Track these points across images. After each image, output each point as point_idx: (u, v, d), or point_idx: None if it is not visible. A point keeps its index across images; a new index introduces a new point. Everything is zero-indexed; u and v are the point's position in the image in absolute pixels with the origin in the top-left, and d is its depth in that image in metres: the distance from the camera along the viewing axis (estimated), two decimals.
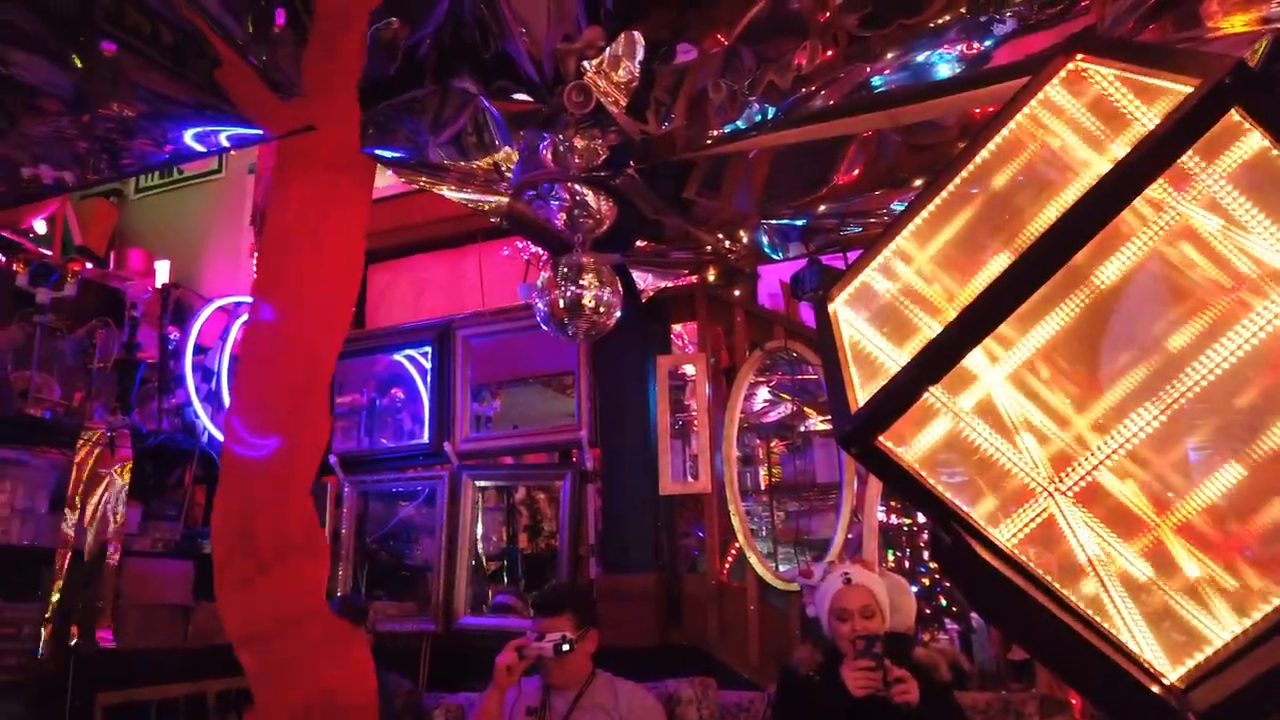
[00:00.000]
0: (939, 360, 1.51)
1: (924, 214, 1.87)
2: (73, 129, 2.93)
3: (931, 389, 1.58)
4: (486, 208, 3.41)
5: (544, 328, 3.07)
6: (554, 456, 4.07)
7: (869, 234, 3.26)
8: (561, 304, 2.97)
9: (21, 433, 3.27)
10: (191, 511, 4.04)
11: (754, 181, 3.13)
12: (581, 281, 2.98)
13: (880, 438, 1.53)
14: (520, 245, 4.66)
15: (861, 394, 1.71)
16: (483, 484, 4.03)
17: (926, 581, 3.68)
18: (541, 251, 4.17)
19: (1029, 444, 1.55)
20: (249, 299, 4.47)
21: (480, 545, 4.23)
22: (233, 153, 5.63)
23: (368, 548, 4.17)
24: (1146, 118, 1.21)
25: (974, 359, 1.82)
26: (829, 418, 4.07)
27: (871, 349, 1.93)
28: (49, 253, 4.39)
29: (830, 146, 3.03)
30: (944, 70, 2.50)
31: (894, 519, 3.89)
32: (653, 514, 3.45)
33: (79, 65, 2.69)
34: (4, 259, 3.64)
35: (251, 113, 2.77)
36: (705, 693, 2.90)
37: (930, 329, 1.83)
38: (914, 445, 1.68)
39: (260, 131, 2.90)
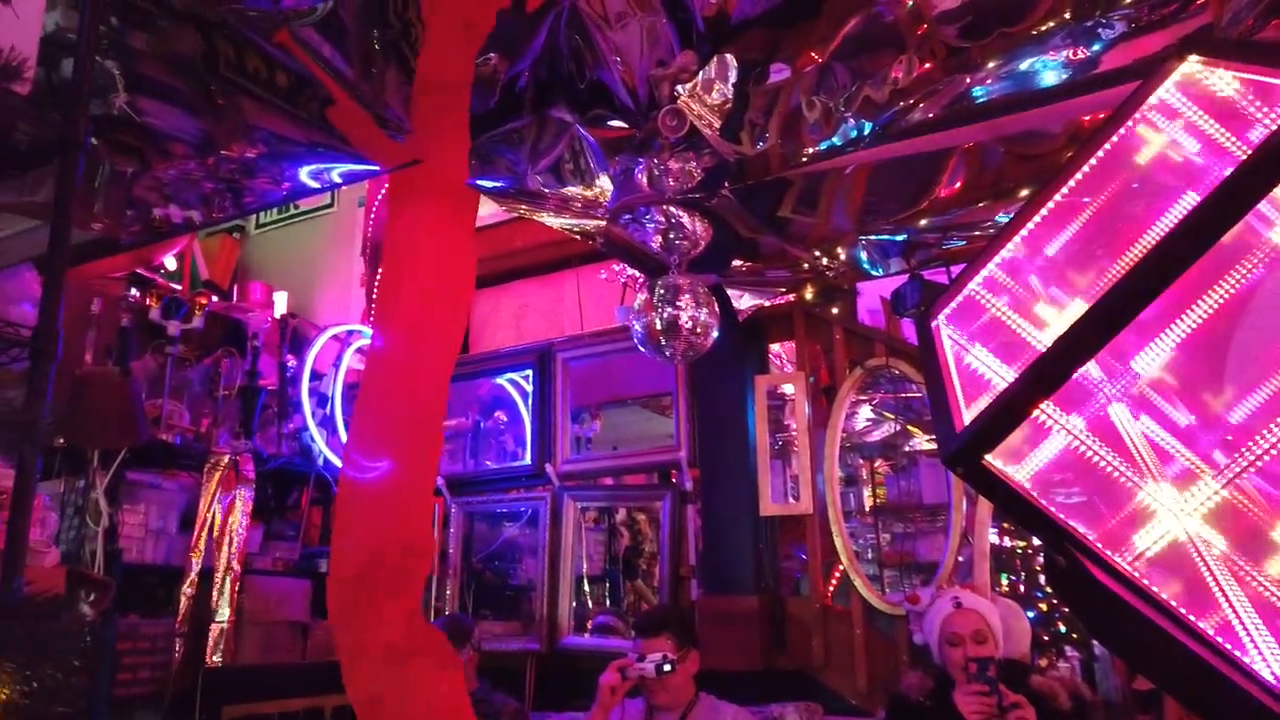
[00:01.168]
0: (1051, 374, 1.47)
1: (1031, 225, 1.82)
2: (199, 170, 3.12)
3: (1043, 405, 1.54)
4: (584, 231, 3.47)
5: (642, 349, 3.10)
6: (653, 477, 4.08)
7: (973, 248, 3.18)
8: (659, 325, 3.00)
9: (155, 457, 3.48)
10: (309, 532, 4.21)
11: (851, 197, 3.10)
12: (678, 302, 3.00)
13: (988, 456, 1.50)
14: (617, 268, 4.72)
15: (967, 412, 1.67)
16: (583, 505, 4.08)
17: (1044, 607, 3.53)
18: (638, 274, 4.21)
19: (1151, 462, 1.48)
20: (359, 327, 4.66)
21: (583, 565, 4.27)
22: (344, 187, 5.89)
23: (473, 567, 4.26)
24: (1270, 119, 1.15)
25: (1089, 373, 1.76)
26: (935, 436, 3.97)
27: (977, 365, 1.89)
28: (178, 287, 4.66)
29: (930, 159, 2.97)
30: (1049, 77, 2.42)
31: (1007, 541, 3.75)
32: (754, 535, 3.42)
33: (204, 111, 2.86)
34: (139, 294, 3.89)
35: (363, 148, 2.89)
36: (812, 718, 2.86)
37: (1040, 343, 1.78)
38: (1025, 465, 1.63)
39: (371, 166, 3.02)
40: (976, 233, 3.13)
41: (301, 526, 4.12)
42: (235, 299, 5.18)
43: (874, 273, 3.51)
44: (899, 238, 3.25)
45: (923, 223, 3.14)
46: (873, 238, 3.26)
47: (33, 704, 0.83)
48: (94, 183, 3.21)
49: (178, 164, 3.09)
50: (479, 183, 3.05)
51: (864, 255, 3.43)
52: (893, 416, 4.24)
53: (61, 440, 3.13)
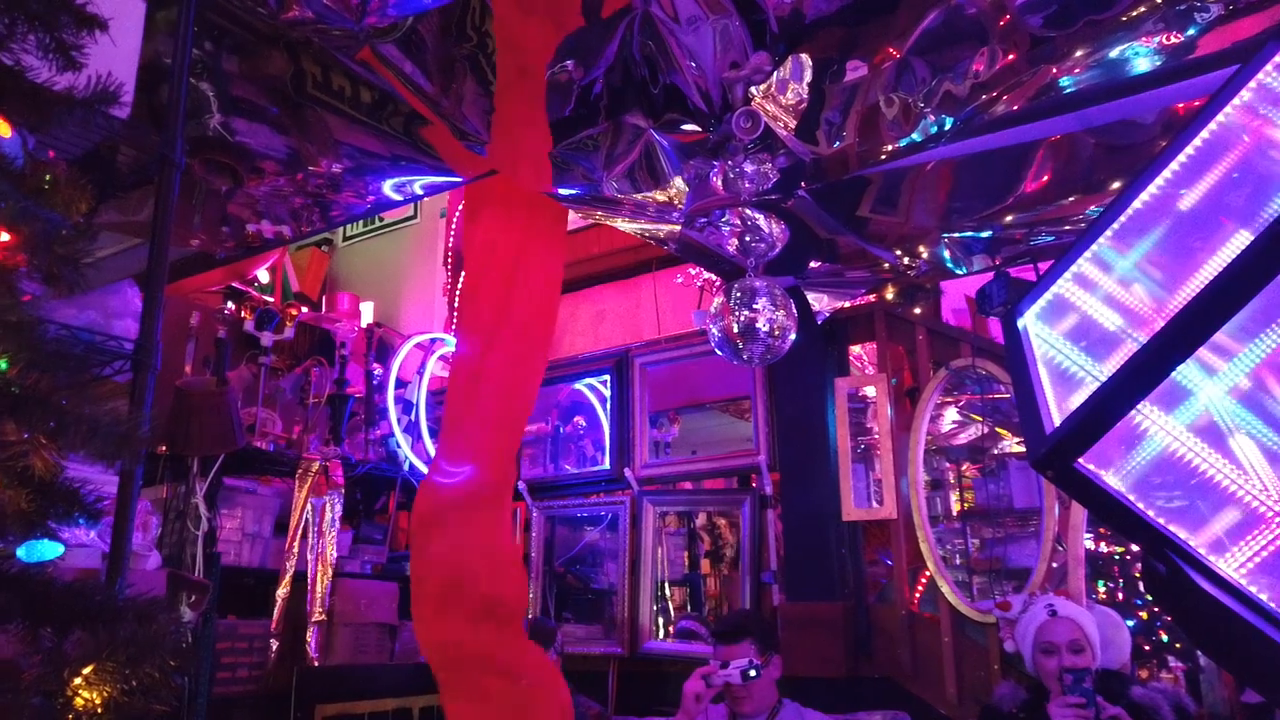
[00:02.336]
0: (1148, 372, 1.40)
1: (1123, 218, 1.74)
2: (288, 186, 3.23)
3: (1140, 405, 1.47)
4: (658, 236, 3.48)
5: (719, 353, 3.08)
6: (733, 481, 4.06)
7: (1061, 243, 3.07)
8: (735, 329, 2.97)
9: (250, 464, 3.61)
10: (395, 536, 4.31)
11: (933, 194, 3.03)
12: (755, 305, 2.97)
13: (1080, 459, 1.44)
14: (694, 272, 4.71)
15: (1057, 413, 1.61)
16: (663, 509, 4.07)
17: (1144, 615, 3.38)
18: (715, 277, 4.19)
19: (1257, 463, 1.40)
20: (441, 335, 4.76)
21: (664, 570, 4.27)
22: (426, 199, 6.02)
23: (555, 571, 4.30)
24: None
25: (1188, 371, 1.68)
26: (1023, 439, 3.84)
27: (1067, 364, 1.82)
28: (271, 299, 4.83)
29: (1016, 153, 2.89)
30: (1141, 64, 2.33)
31: (1104, 547, 3.62)
32: (836, 540, 3.36)
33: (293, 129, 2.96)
34: (234, 307, 4.04)
35: (444, 160, 2.95)
36: None
37: (1135, 340, 1.70)
38: (1120, 468, 1.56)
39: (452, 177, 3.09)
40: (1066, 228, 3.02)
41: (389, 530, 4.22)
42: (324, 309, 5.35)
43: (958, 271, 3.42)
44: (984, 235, 3.16)
45: (1008, 219, 3.04)
46: (956, 235, 3.18)
47: (132, 702, 0.86)
48: (191, 201, 3.36)
49: (268, 180, 3.20)
50: (557, 193, 3.08)
51: (947, 253, 3.35)
52: (980, 418, 4.12)
53: (163, 448, 3.27)
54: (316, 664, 3.39)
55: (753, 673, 2.64)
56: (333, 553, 3.54)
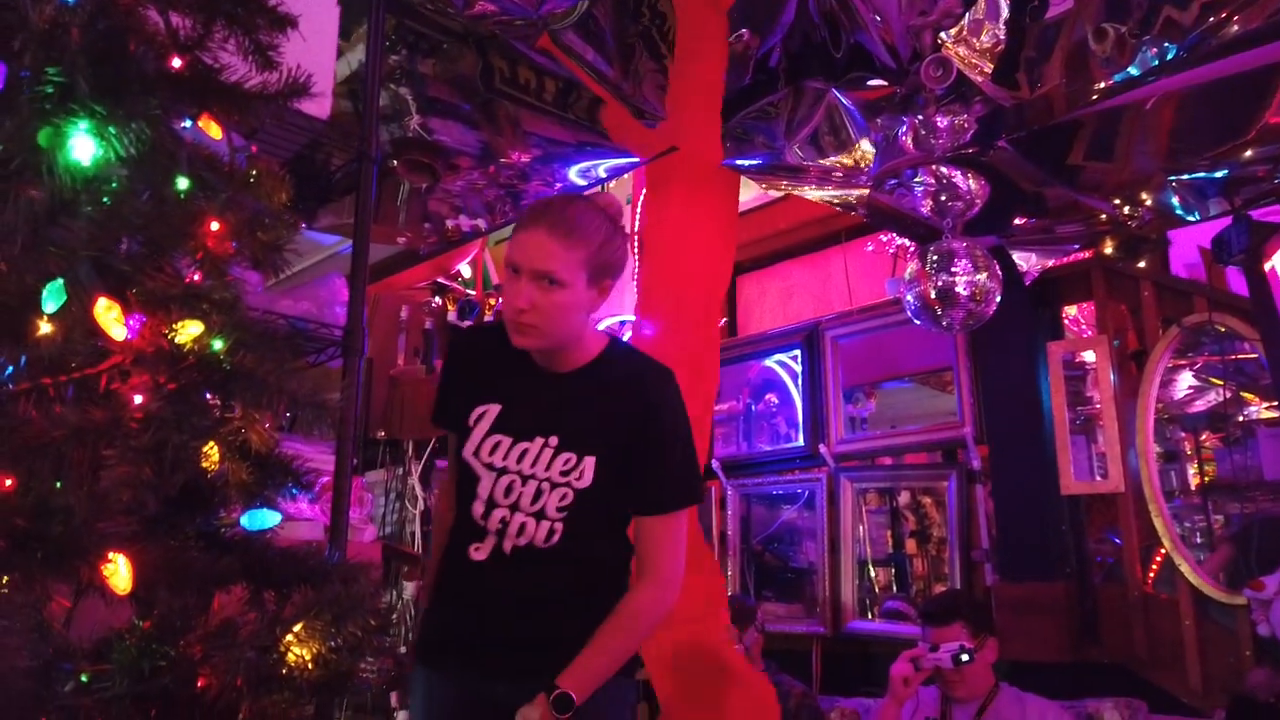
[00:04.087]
0: None
1: None
2: (482, 179, 3.38)
3: None
4: (846, 203, 3.35)
5: (916, 321, 2.94)
6: (936, 456, 3.87)
7: None
8: (933, 294, 2.83)
9: None
10: None
11: (1156, 134, 2.73)
12: (953, 269, 2.81)
13: None
14: (885, 239, 4.52)
15: None
16: (861, 486, 3.95)
17: None
18: (909, 243, 4.00)
19: None
20: (629, 317, 4.83)
21: (866, 549, 4.14)
22: (611, 184, 6.12)
23: (753, 549, 4.27)
24: None
25: None
26: (1277, 403, 3.42)
27: None
28: (472, 292, 5.07)
29: (1254, 80, 2.54)
30: None
31: None
32: (1055, 517, 3.13)
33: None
34: (439, 301, 4.28)
35: (624, 142, 2.98)
36: (1134, 715, 2.57)
37: None
38: None
39: (632, 158, 3.11)
40: None
41: None
42: None
43: (1188, 218, 3.07)
44: (1218, 175, 2.81)
45: (1248, 155, 2.69)
46: (1185, 177, 2.85)
47: (339, 659, 0.92)
48: (396, 201, 3.59)
49: (464, 175, 3.36)
50: (736, 163, 3.04)
51: (1175, 199, 3.02)
52: (1220, 382, 3.71)
53: (381, 433, 3.52)
54: None
55: (965, 656, 2.51)
56: None
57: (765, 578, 4.27)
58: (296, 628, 0.89)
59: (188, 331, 0.90)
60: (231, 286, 0.97)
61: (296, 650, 0.88)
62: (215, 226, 0.95)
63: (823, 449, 3.93)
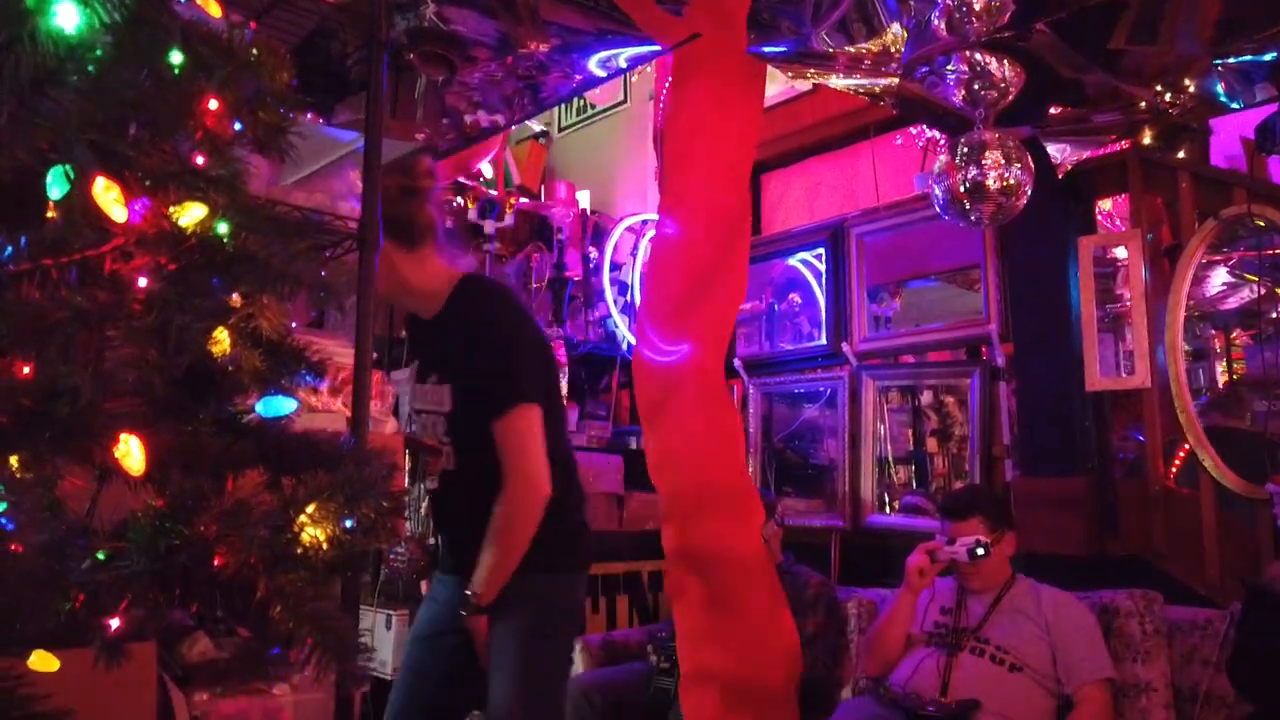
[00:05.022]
0: None
1: None
2: (500, 71, 3.29)
3: None
4: (875, 93, 3.24)
5: (944, 216, 2.87)
6: (959, 354, 3.84)
7: None
8: (962, 188, 2.75)
9: None
10: (618, 412, 4.47)
11: (1203, 14, 2.59)
12: (984, 161, 2.73)
13: None
14: (915, 132, 4.38)
15: None
16: (883, 384, 3.94)
17: None
18: (939, 135, 3.88)
19: None
20: (652, 216, 4.77)
21: (889, 447, 4.16)
22: (634, 79, 5.96)
23: (774, 447, 4.31)
24: None
25: None
26: None
27: None
28: (494, 191, 5.00)
29: None
30: None
31: None
32: (1079, 413, 3.10)
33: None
34: (460, 200, 4.24)
35: (646, 29, 2.88)
36: (1150, 606, 2.59)
37: None
38: None
39: (654, 46, 3.01)
40: None
41: (611, 407, 4.39)
42: (543, 199, 5.50)
43: (1233, 105, 2.94)
44: (1266, 58, 2.68)
45: None
46: (1231, 61, 2.72)
47: (354, 539, 0.94)
48: (413, 95, 3.51)
49: (481, 67, 3.28)
50: (762, 50, 2.93)
51: (1220, 85, 2.88)
52: (1256, 278, 3.62)
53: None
54: None
55: (980, 551, 2.54)
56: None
57: (786, 474, 4.31)
58: (310, 509, 0.90)
59: (190, 214, 0.89)
60: (233, 166, 0.96)
61: (310, 530, 0.90)
62: (214, 105, 0.93)
63: (845, 347, 3.91)
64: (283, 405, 1.05)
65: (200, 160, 0.93)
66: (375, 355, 1.66)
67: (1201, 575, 2.78)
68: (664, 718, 2.83)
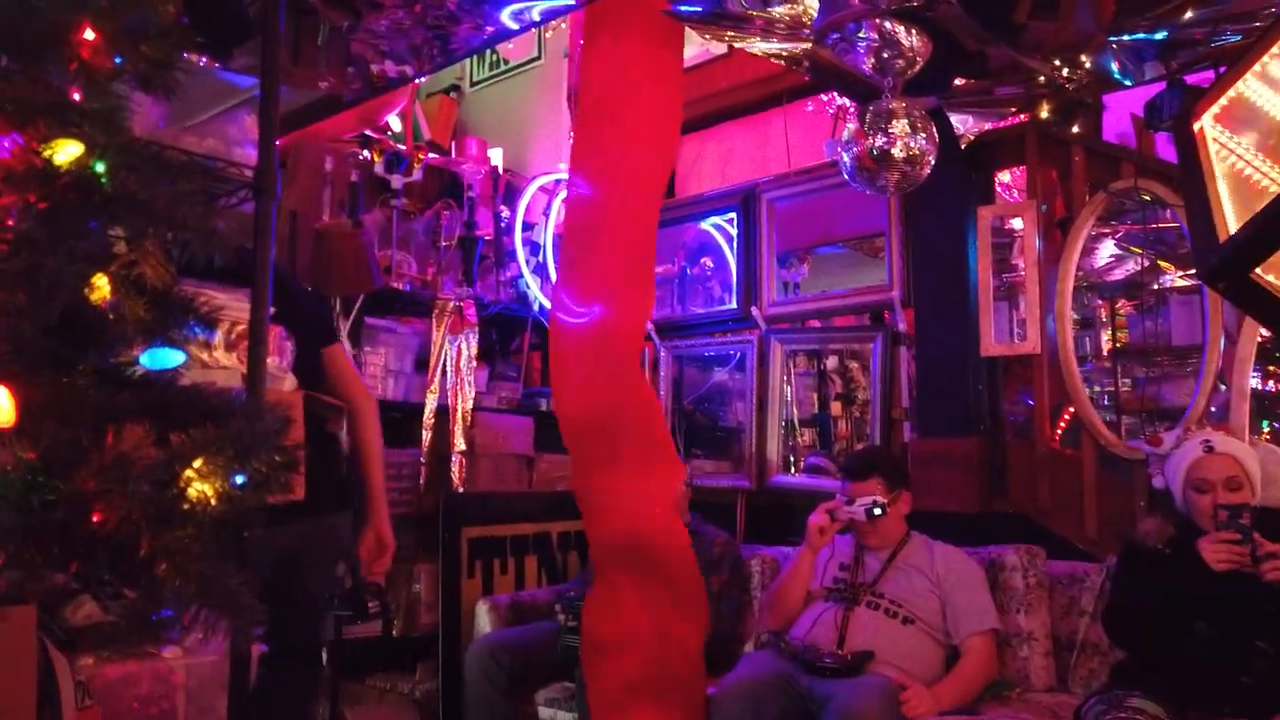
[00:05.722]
0: None
1: None
2: (408, 20, 3.18)
3: None
4: (791, 57, 3.25)
5: (852, 183, 2.92)
6: (864, 319, 3.93)
7: (1250, 43, 2.68)
8: (869, 155, 2.80)
9: (389, 304, 3.75)
10: (529, 374, 4.44)
11: None
12: (891, 129, 2.78)
13: (1258, 270, 1.28)
14: (826, 99, 4.43)
15: (1234, 222, 1.43)
16: (791, 348, 4.01)
17: None
18: (850, 103, 3.93)
19: None
20: (564, 176, 4.71)
21: (794, 410, 4.25)
22: (548, 35, 5.85)
23: (684, 409, 4.35)
24: None
25: None
26: (1191, 271, 3.52)
27: (1248, 170, 1.61)
28: (403, 147, 4.85)
29: None
30: None
31: (1271, 386, 3.35)
32: (973, 377, 3.23)
33: None
34: (367, 153, 4.10)
35: None
36: (1033, 560, 2.73)
37: None
38: None
39: (568, 0, 2.95)
40: (1257, 23, 2.63)
41: (522, 368, 4.35)
42: (455, 156, 5.37)
43: (1125, 82, 3.06)
44: (1157, 37, 2.79)
45: (1188, 15, 2.67)
46: (1125, 38, 2.82)
47: (245, 495, 0.91)
48: (316, 42, 3.36)
49: (388, 14, 3.15)
50: (679, 9, 2.90)
51: (1113, 62, 2.99)
52: (1140, 251, 3.81)
53: (308, 289, 3.43)
54: (461, 491, 3.59)
55: (878, 511, 2.63)
56: (470, 388, 3.68)
57: (695, 436, 4.37)
58: (196, 463, 0.87)
59: (65, 151, 0.83)
60: (113, 102, 0.90)
61: (198, 486, 0.87)
62: (90, 35, 0.87)
63: (754, 311, 3.96)
64: (170, 358, 1.01)
65: (76, 95, 0.87)
66: (273, 310, 1.60)
67: (1081, 531, 2.94)
68: (571, 675, 2.86)
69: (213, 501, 0.87)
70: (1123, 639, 2.31)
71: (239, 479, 0.90)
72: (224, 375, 1.80)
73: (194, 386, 1.02)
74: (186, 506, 0.85)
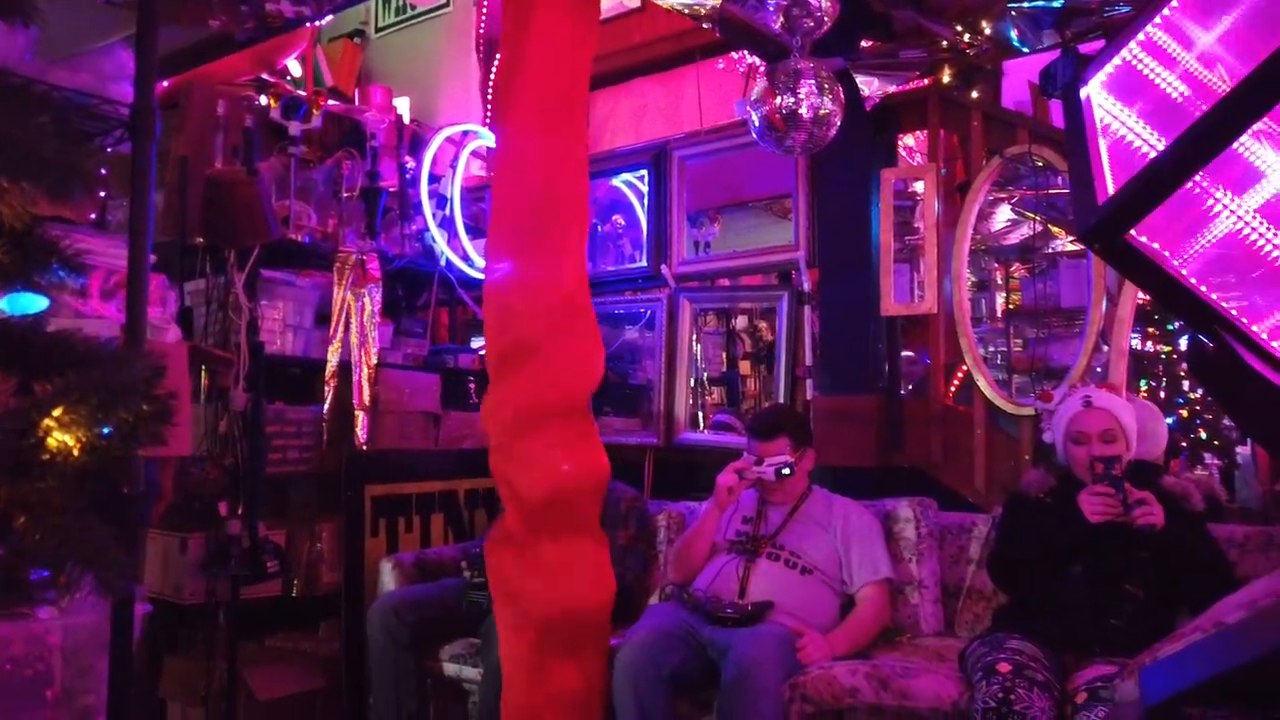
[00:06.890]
0: (1207, 140, 1.28)
1: None
2: None
3: (1212, 188, 1.35)
4: (702, 13, 3.24)
5: (760, 143, 2.94)
6: (772, 279, 3.99)
7: (1137, 12, 2.78)
8: (778, 115, 2.82)
9: (287, 256, 3.60)
10: (436, 330, 4.36)
11: None
12: (799, 90, 2.80)
13: (1133, 231, 1.34)
14: (738, 57, 4.43)
15: (1113, 185, 1.49)
16: (700, 306, 4.04)
17: (1185, 413, 3.34)
18: (760, 62, 3.94)
19: None
20: (474, 127, 4.60)
21: (703, 368, 4.29)
22: None
23: None
24: None
25: (1266, 153, 1.53)
26: (1074, 212, 3.67)
27: (1129, 136, 1.67)
28: (302, 92, 4.67)
29: None
30: None
31: (1149, 346, 3.54)
32: (873, 335, 3.32)
33: None
34: (263, 99, 3.91)
35: None
36: (924, 512, 2.84)
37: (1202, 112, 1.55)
38: (1183, 249, 1.46)
39: None
40: None
41: (429, 324, 4.27)
42: (358, 103, 5.19)
43: (1023, 49, 3.15)
44: (1055, 4, 2.87)
45: None
46: (1025, 5, 2.90)
47: (110, 445, 0.87)
48: None
49: None
50: None
51: (1012, 30, 3.08)
52: (1034, 216, 3.95)
53: (200, 240, 3.28)
54: (365, 448, 3.52)
55: (786, 471, 2.69)
56: (375, 344, 3.59)
57: (604, 393, 4.36)
58: (56, 412, 0.82)
59: None
60: None
61: (58, 435, 0.82)
62: None
63: (665, 270, 3.98)
64: (32, 303, 0.95)
65: None
66: (155, 258, 1.52)
67: (970, 484, 3.07)
68: (477, 631, 2.86)
69: (75, 452, 0.83)
70: (1005, 583, 2.42)
71: (105, 429, 0.86)
72: (101, 325, 1.71)
73: (60, 333, 0.96)
74: (46, 457, 0.81)
